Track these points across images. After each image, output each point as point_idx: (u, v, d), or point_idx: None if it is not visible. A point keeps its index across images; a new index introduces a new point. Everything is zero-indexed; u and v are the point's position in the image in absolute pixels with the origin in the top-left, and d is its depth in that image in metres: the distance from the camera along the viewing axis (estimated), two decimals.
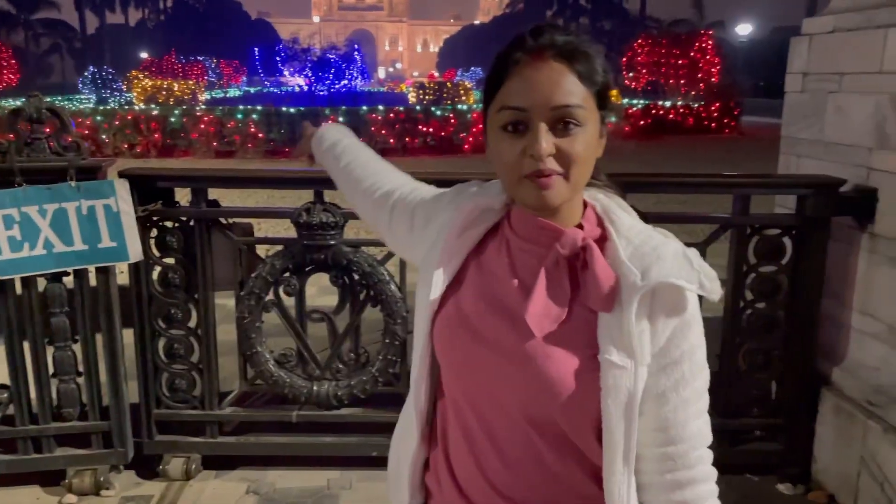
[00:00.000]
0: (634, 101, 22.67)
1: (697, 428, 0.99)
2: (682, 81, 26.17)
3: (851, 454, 2.73)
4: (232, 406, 3.04)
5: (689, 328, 0.97)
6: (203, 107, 19.40)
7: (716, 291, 0.96)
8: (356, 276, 2.89)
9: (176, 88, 27.66)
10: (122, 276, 2.86)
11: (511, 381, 0.99)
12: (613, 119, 18.04)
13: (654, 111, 22.29)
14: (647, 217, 1.09)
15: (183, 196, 2.93)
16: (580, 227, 1.03)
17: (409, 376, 1.39)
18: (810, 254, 2.79)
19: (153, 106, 18.50)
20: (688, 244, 1.03)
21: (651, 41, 30.04)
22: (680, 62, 26.22)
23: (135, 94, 26.84)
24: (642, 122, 21.64)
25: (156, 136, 16.39)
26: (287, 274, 2.88)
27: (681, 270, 0.95)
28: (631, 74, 31.03)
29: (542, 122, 0.94)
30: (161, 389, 2.97)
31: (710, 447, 1.01)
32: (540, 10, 64.63)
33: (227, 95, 33.45)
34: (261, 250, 3.02)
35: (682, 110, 22.76)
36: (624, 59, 32.50)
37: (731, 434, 2.96)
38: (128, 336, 2.89)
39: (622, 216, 1.04)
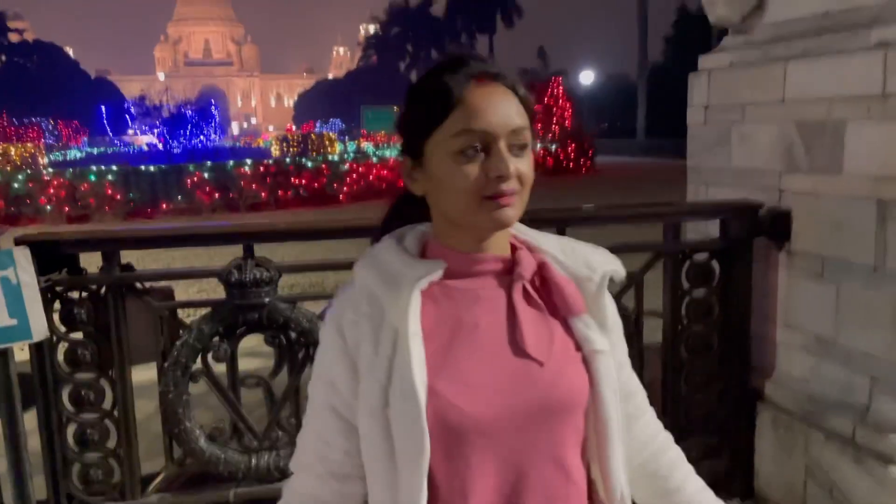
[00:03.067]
0: None
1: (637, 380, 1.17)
2: (538, 125, 27.33)
3: (794, 464, 2.83)
4: (159, 492, 2.71)
5: (614, 304, 1.10)
6: (51, 170, 17.99)
7: (623, 272, 1.10)
8: (293, 335, 2.69)
9: (13, 152, 25.58)
10: (20, 354, 2.50)
11: (540, 416, 0.97)
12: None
13: None
14: None
15: (89, 262, 2.63)
16: (513, 249, 1.06)
17: None
18: (737, 275, 2.92)
19: None
20: (628, 272, 1.21)
21: None
22: (535, 108, 27.43)
23: None
24: None
25: None
26: (216, 339, 2.64)
27: (606, 258, 1.09)
28: None
29: (503, 143, 0.95)
30: (73, 482, 2.60)
31: None
32: (392, 62, 66.16)
33: (67, 158, 31.21)
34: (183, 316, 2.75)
35: (541, 152, 23.85)
36: None
37: None
38: (30, 422, 2.51)
39: (525, 229, 1.11)
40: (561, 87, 27.97)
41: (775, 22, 3.04)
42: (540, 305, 1.01)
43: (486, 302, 1.00)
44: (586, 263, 1.06)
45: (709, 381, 3.00)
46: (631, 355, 1.14)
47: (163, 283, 2.75)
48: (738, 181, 3.19)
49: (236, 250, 2.63)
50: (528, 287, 1.02)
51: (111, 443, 2.64)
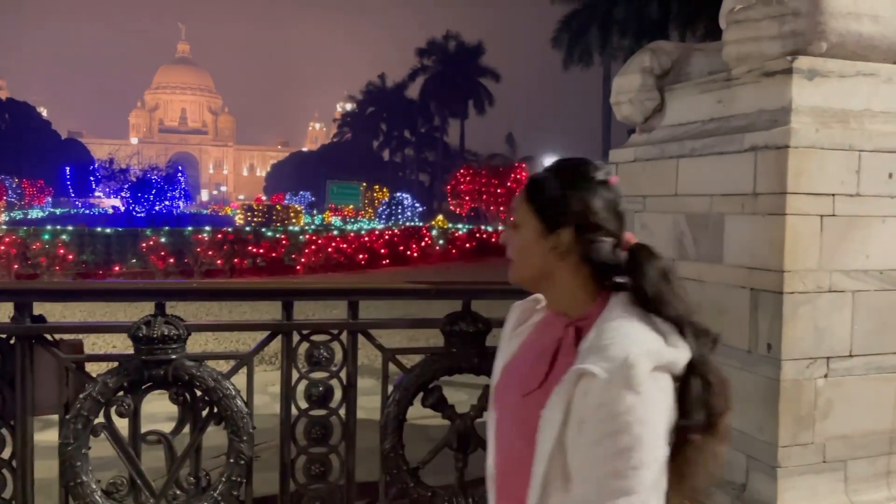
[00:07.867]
0: (459, 226, 23.92)
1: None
2: (501, 208, 28.20)
3: None
4: None
5: (605, 409, 1.12)
6: (3, 227, 17.82)
7: (595, 372, 1.13)
8: (198, 392, 2.76)
9: None
10: None
11: (510, 421, 1.35)
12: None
13: (477, 234, 23.62)
14: None
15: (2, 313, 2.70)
16: (586, 316, 1.28)
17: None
18: None
19: None
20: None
21: (472, 172, 32.28)
22: (499, 191, 28.70)
23: None
24: (468, 245, 22.80)
25: None
26: (121, 393, 2.70)
27: (609, 366, 1.11)
28: (455, 201, 32.93)
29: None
30: None
31: None
32: (366, 140, 67.51)
33: (28, 216, 30.89)
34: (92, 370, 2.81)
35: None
36: (448, 187, 34.51)
37: None
38: None
39: (614, 314, 1.22)
40: (525, 173, 28.81)
41: (672, 124, 3.33)
42: (546, 360, 1.31)
43: (531, 342, 1.40)
44: (591, 360, 1.15)
45: None
46: None
47: (73, 336, 2.81)
48: None
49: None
50: (550, 346, 1.33)
51: (7, 493, 2.64)
